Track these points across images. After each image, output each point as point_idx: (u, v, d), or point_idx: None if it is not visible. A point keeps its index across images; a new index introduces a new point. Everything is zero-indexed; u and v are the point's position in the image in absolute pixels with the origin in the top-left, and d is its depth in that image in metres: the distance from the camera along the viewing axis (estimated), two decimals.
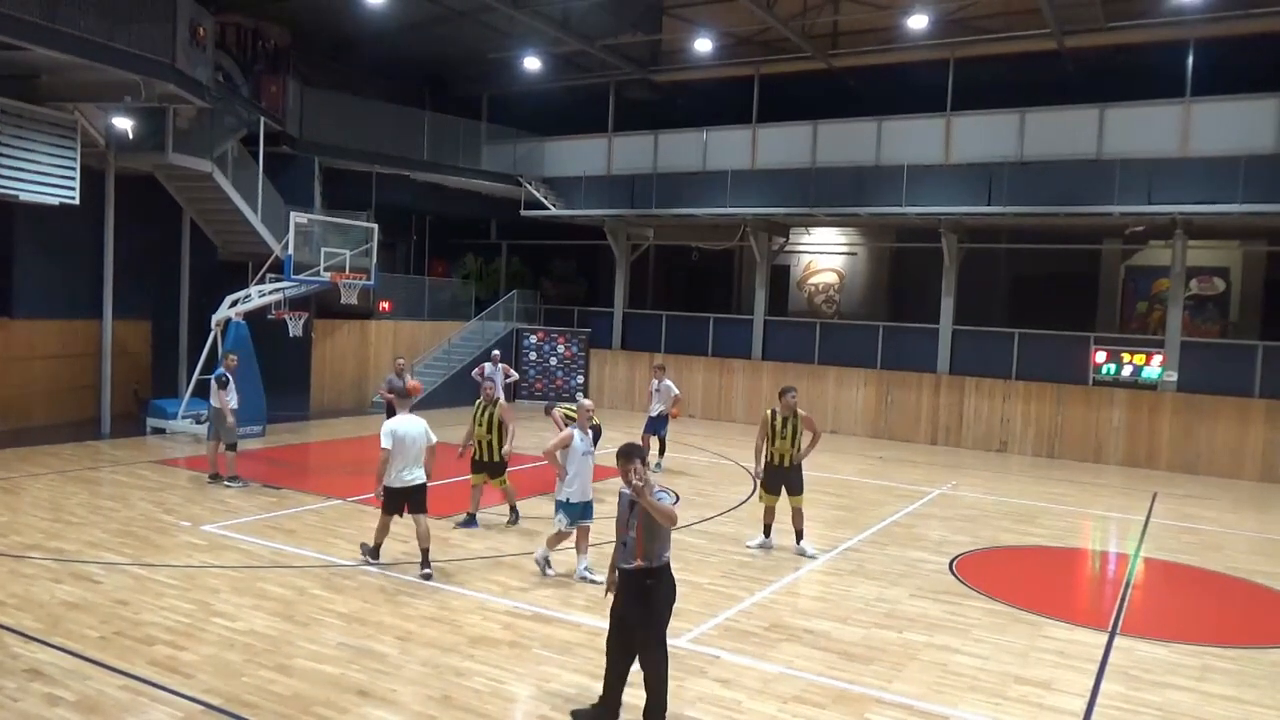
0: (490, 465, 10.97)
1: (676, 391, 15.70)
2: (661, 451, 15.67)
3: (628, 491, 5.86)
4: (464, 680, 6.63)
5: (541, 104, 25.99)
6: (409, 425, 9.08)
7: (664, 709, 5.90)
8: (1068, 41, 19.21)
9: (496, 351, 17.66)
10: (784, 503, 10.46)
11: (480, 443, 10.93)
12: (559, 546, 9.36)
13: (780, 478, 10.49)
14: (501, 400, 11.21)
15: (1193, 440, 18.16)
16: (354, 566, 9.24)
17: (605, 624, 7.83)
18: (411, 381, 15.51)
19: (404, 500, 9.10)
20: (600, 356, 24.58)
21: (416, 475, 9.10)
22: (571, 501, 9.03)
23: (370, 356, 21.33)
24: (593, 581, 8.90)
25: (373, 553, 9.42)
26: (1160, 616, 9.36)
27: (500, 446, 10.86)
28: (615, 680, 5.98)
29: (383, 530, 9.36)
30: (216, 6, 18.04)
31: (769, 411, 10.52)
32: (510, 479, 11.26)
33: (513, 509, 11.33)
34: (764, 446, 10.46)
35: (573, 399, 23.44)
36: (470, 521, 11.04)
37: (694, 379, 23.17)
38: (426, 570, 8.99)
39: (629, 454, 5.85)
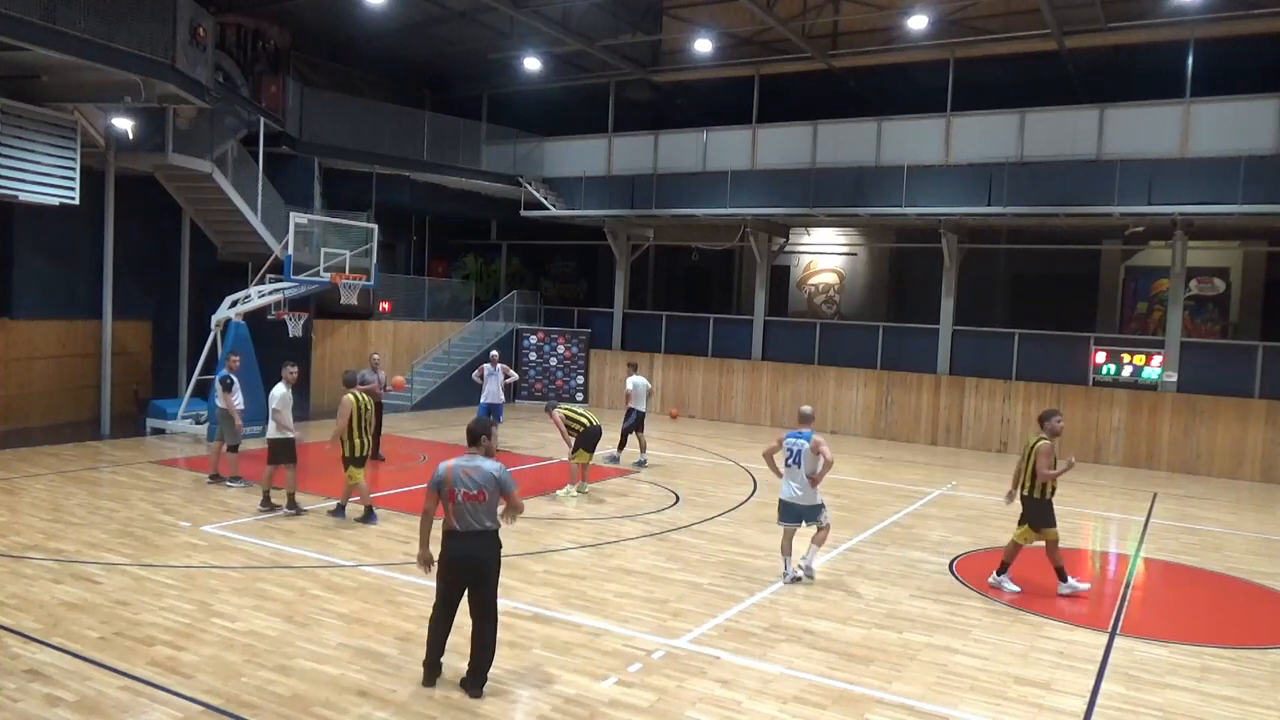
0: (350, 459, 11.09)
1: (629, 388, 15.91)
2: (642, 447, 15.90)
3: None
4: None
5: (541, 104, 26.01)
6: (277, 391, 11.62)
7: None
8: (1068, 42, 19.21)
9: (495, 352, 17.64)
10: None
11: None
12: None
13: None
14: (345, 397, 11.06)
15: (1193, 440, 18.16)
16: (354, 566, 9.24)
17: (606, 624, 7.88)
18: (397, 377, 16.30)
19: (279, 450, 11.34)
20: (600, 357, 24.58)
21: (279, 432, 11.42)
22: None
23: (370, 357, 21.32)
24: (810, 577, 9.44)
25: (267, 502, 11.33)
26: (1160, 617, 9.35)
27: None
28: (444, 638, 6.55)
29: (287, 483, 11.33)
30: (216, 6, 18.04)
31: (1047, 441, 9.33)
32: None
33: (340, 506, 11.21)
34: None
35: (573, 399, 23.57)
36: (367, 515, 10.98)
37: (694, 379, 23.17)
38: (292, 510, 11.20)
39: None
